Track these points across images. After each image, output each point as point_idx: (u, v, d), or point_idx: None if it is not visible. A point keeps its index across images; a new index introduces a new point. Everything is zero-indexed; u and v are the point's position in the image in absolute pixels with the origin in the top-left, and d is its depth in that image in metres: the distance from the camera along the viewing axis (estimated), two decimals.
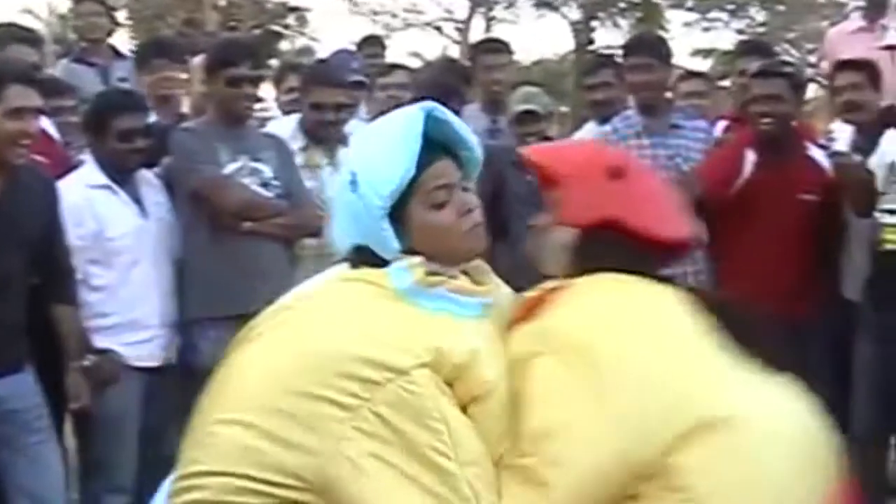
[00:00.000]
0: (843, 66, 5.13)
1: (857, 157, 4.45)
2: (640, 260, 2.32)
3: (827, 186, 4.67)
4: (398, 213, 2.22)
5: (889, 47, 4.40)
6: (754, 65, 5.14)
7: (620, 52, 5.71)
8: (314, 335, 2.18)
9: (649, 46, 5.22)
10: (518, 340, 2.23)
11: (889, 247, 4.32)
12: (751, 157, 4.68)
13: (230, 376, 2.23)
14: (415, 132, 2.22)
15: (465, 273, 2.31)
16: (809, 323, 4.63)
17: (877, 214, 4.37)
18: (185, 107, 5.30)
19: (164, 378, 4.28)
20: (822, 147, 4.68)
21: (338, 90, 4.78)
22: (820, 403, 4.62)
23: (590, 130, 5.58)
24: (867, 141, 4.46)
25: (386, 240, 2.22)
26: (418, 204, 2.24)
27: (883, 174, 4.38)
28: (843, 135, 4.44)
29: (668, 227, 2.37)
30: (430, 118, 2.28)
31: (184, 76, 5.41)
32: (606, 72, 5.56)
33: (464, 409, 2.14)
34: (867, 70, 4.89)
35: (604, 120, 5.28)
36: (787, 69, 4.77)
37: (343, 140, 4.84)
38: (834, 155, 4.48)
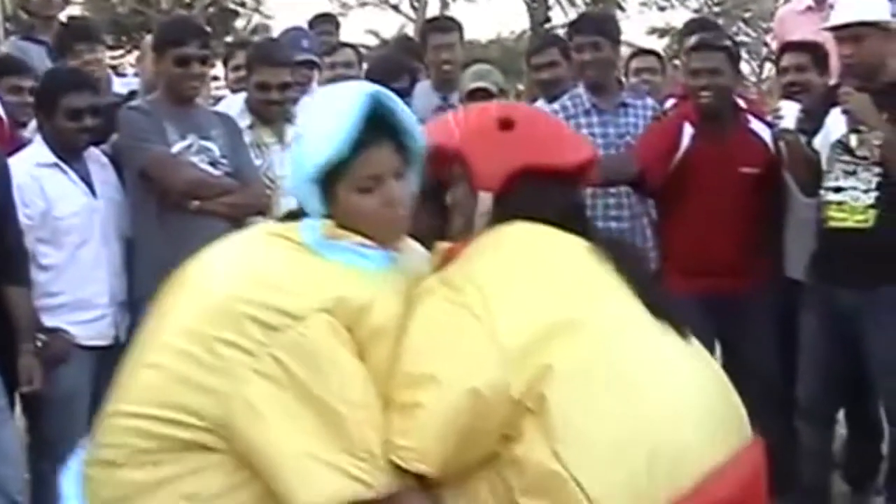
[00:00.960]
0: (788, 47, 5.20)
1: (802, 136, 4.49)
2: (554, 199, 2.43)
3: (768, 160, 4.72)
4: (328, 182, 2.32)
5: (831, 28, 4.43)
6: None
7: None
8: (222, 283, 2.31)
9: (596, 25, 5.21)
10: (422, 285, 2.35)
11: (833, 224, 4.35)
12: (689, 130, 4.71)
13: (152, 323, 2.38)
14: (353, 114, 2.30)
15: None
16: (752, 298, 4.70)
17: (821, 192, 4.40)
18: (118, 86, 5.23)
19: (113, 357, 4.24)
20: (768, 124, 4.72)
21: (282, 69, 4.77)
22: (764, 378, 4.71)
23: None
24: (813, 120, 4.50)
25: (311, 201, 2.36)
26: (346, 184, 2.34)
27: (827, 153, 4.42)
28: (789, 113, 4.47)
29: (570, 153, 2.51)
30: (373, 102, 2.33)
31: (106, 56, 5.40)
32: (552, 50, 5.53)
33: (364, 354, 2.25)
34: (812, 51, 4.94)
35: (553, 98, 5.27)
36: (725, 42, 4.80)
37: (290, 118, 4.84)
38: (780, 133, 4.52)
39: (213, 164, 4.36)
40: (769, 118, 4.65)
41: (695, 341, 2.42)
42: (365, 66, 6.49)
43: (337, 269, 2.30)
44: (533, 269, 2.32)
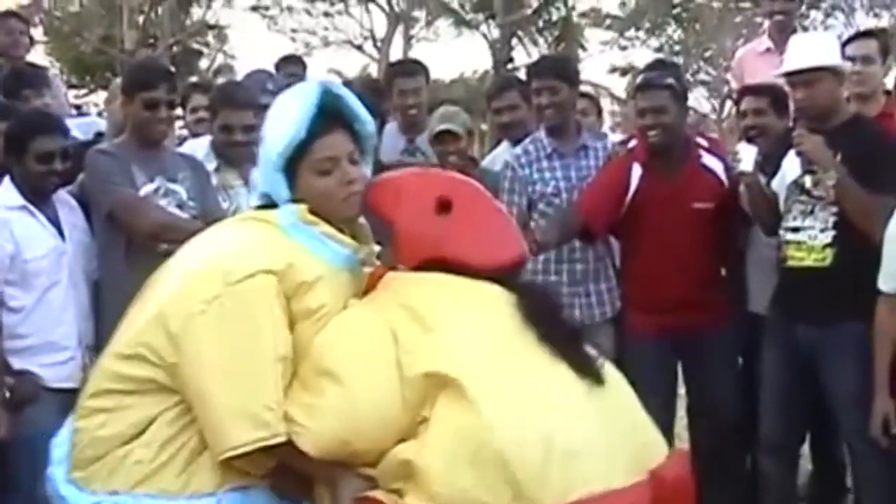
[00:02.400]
0: (747, 91, 5.30)
1: (761, 177, 4.57)
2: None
3: (722, 194, 4.77)
4: (291, 169, 2.70)
5: (785, 74, 4.52)
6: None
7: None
8: (199, 253, 2.77)
9: (554, 68, 5.22)
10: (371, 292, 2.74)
11: (791, 263, 4.42)
12: (638, 170, 4.76)
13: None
14: (308, 103, 2.67)
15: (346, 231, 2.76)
16: (710, 334, 4.76)
17: (780, 232, 4.48)
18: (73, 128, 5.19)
19: None
20: (721, 158, 4.78)
21: (246, 111, 4.75)
22: (724, 413, 4.77)
23: (503, 150, 5.61)
24: (771, 163, 4.58)
25: (279, 189, 2.72)
26: (307, 167, 2.71)
27: (784, 194, 4.50)
28: (747, 156, 4.55)
29: (489, 256, 2.69)
30: (325, 93, 2.71)
31: (51, 101, 5.40)
32: (512, 94, 5.54)
33: (292, 327, 2.59)
34: (770, 94, 5.03)
35: (516, 141, 5.32)
36: (669, 81, 4.82)
37: (255, 160, 4.85)
38: (738, 175, 4.60)
39: (180, 206, 4.36)
40: (728, 160, 4.73)
41: (610, 382, 2.60)
42: None
43: (296, 247, 2.65)
44: (446, 317, 2.57)
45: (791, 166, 4.48)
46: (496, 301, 2.62)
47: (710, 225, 4.76)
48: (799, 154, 4.41)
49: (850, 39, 5.42)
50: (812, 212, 4.39)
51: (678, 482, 2.58)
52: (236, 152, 4.76)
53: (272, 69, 7.22)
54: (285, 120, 2.69)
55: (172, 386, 2.62)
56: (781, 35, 6.12)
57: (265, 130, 2.77)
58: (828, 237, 4.34)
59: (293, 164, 2.70)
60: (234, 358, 2.54)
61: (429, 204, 2.71)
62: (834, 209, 4.33)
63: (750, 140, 4.78)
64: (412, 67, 6.15)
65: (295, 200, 2.72)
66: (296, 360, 2.60)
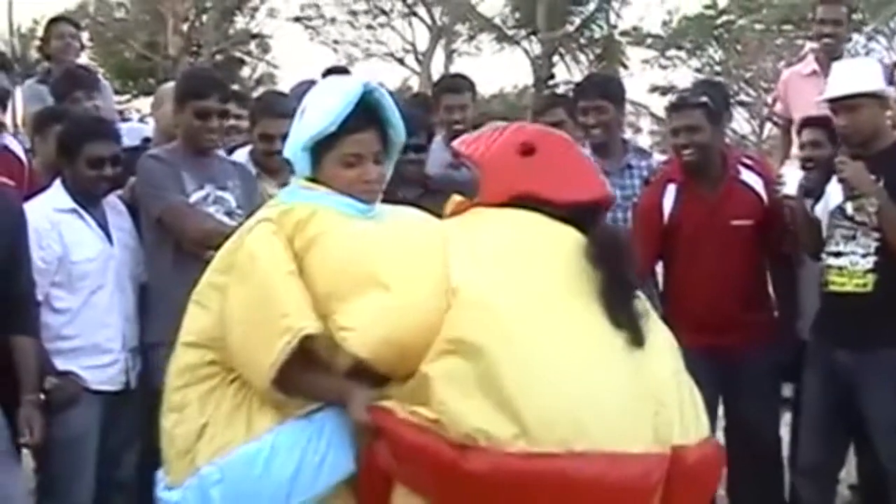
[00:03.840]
0: (806, 123, 5.25)
1: (808, 201, 4.56)
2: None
3: (761, 211, 4.75)
4: (318, 151, 2.89)
5: (828, 100, 4.52)
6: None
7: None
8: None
9: (600, 88, 5.24)
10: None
11: (833, 288, 4.43)
12: (671, 190, 4.77)
13: None
14: (347, 99, 2.84)
15: None
16: (750, 354, 4.71)
17: (823, 257, 4.49)
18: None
19: (123, 402, 4.32)
20: (759, 174, 4.77)
21: (285, 120, 4.71)
22: (761, 435, 4.73)
23: None
24: (815, 187, 4.58)
25: (301, 164, 2.92)
26: (333, 156, 2.89)
27: (827, 220, 4.50)
28: (791, 178, 4.56)
29: (574, 191, 2.81)
30: (367, 93, 2.87)
31: (101, 103, 5.48)
32: (558, 110, 5.50)
33: (302, 261, 2.76)
34: (828, 127, 4.96)
35: None
36: (701, 100, 4.82)
37: (294, 170, 4.88)
38: (783, 198, 4.60)
39: (228, 214, 4.40)
40: (771, 177, 4.72)
41: (652, 348, 2.65)
42: None
43: (291, 203, 2.85)
44: (504, 250, 2.71)
45: (834, 192, 4.48)
46: (564, 241, 2.72)
47: (749, 242, 4.73)
48: (841, 180, 4.40)
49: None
50: (854, 237, 4.40)
51: (700, 467, 2.60)
52: (275, 161, 4.75)
53: (318, 81, 7.29)
54: (324, 108, 2.87)
55: (226, 362, 2.82)
56: (828, 58, 6.11)
57: (303, 108, 2.96)
58: (869, 263, 4.34)
59: (321, 148, 2.89)
60: (248, 296, 2.76)
61: (514, 148, 2.86)
62: (876, 235, 4.33)
63: (807, 171, 4.76)
64: (459, 83, 6.15)
65: (313, 179, 2.91)
66: (317, 289, 2.73)
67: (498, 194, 2.84)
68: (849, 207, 4.42)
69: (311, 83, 5.91)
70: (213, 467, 2.76)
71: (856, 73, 4.48)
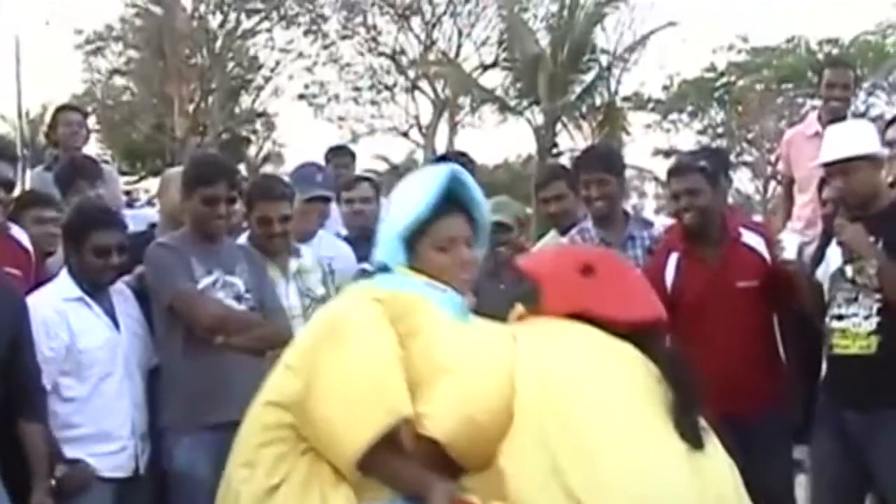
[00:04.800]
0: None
1: (804, 264, 4.57)
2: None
3: (765, 272, 4.73)
4: (413, 241, 2.95)
5: (824, 164, 4.56)
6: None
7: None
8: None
9: (601, 161, 5.24)
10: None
11: (837, 351, 4.43)
12: (673, 258, 4.78)
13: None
14: (437, 185, 2.95)
15: None
16: (761, 420, 4.66)
17: (826, 320, 4.48)
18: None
19: (133, 489, 4.32)
20: (761, 234, 4.79)
21: (283, 202, 4.81)
22: (772, 498, 4.72)
23: (552, 239, 5.62)
24: (815, 251, 4.62)
25: (397, 256, 2.95)
26: (428, 243, 2.96)
27: (828, 283, 4.51)
28: (790, 243, 4.58)
29: (632, 311, 2.89)
30: (453, 178, 2.96)
31: (104, 192, 5.51)
32: (559, 184, 5.56)
33: (403, 345, 2.77)
34: None
35: (564, 230, 5.35)
36: (700, 163, 4.85)
37: (293, 251, 4.91)
38: (782, 263, 4.62)
39: (237, 298, 4.44)
40: (771, 238, 4.73)
41: (715, 461, 2.74)
42: (383, 199, 6.61)
43: (395, 290, 2.88)
44: (575, 355, 2.79)
45: (834, 255, 4.50)
46: (628, 354, 2.81)
47: (755, 304, 4.71)
48: (840, 243, 4.42)
49: (889, 123, 5.45)
50: (856, 299, 4.40)
51: None
52: (274, 243, 4.80)
53: (321, 158, 7.37)
54: (414, 196, 2.97)
55: (303, 431, 2.80)
56: (832, 120, 6.14)
57: (390, 204, 3.08)
58: (872, 324, 4.34)
59: (414, 237, 2.95)
60: (350, 368, 2.75)
61: (574, 267, 2.95)
62: (877, 296, 4.34)
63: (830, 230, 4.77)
64: (459, 160, 6.19)
65: (411, 268, 2.96)
66: (409, 375, 2.75)
67: (558, 309, 2.91)
68: (849, 270, 4.43)
69: (315, 165, 5.99)
70: None
71: (850, 137, 4.51)
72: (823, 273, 4.56)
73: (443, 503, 2.65)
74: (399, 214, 2.98)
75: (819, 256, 4.60)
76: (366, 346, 2.76)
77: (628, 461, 2.59)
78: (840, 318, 4.43)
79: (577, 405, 2.65)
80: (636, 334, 2.84)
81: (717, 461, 2.75)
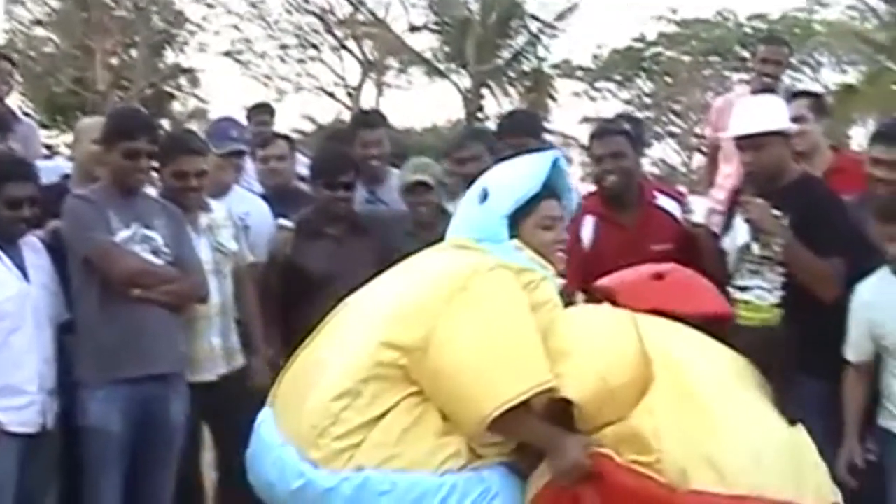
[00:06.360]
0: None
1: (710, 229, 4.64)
2: None
3: (679, 234, 4.81)
4: (514, 220, 3.25)
5: (735, 137, 4.62)
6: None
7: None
8: (430, 265, 3.34)
9: (525, 124, 5.29)
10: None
11: (740, 322, 4.50)
12: (589, 221, 4.85)
13: None
14: (543, 169, 3.31)
15: None
16: None
17: (730, 291, 4.50)
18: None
19: (39, 444, 4.27)
20: (675, 198, 4.87)
21: (199, 157, 4.80)
22: None
23: None
24: (724, 220, 4.69)
25: (500, 231, 3.22)
26: (532, 221, 3.29)
27: (735, 256, 4.57)
28: (699, 207, 4.65)
29: (697, 307, 3.24)
30: (554, 165, 3.34)
31: (15, 145, 5.40)
32: (477, 145, 5.52)
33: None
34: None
35: None
36: (625, 127, 4.91)
37: (204, 206, 4.89)
38: (691, 226, 4.68)
39: (155, 252, 4.41)
40: (685, 203, 4.80)
41: (803, 433, 3.11)
42: (300, 156, 6.58)
43: (521, 264, 3.16)
44: (681, 335, 3.17)
45: (742, 228, 4.56)
46: (713, 341, 3.20)
47: None
48: (747, 220, 4.49)
49: (792, 97, 5.52)
50: (759, 272, 4.48)
51: None
52: (189, 197, 4.78)
53: (244, 115, 7.35)
54: (522, 178, 3.29)
55: (413, 375, 2.99)
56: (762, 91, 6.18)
57: (487, 185, 3.34)
58: (776, 298, 4.42)
59: (519, 215, 3.26)
60: (496, 327, 2.97)
61: (647, 276, 3.36)
62: (782, 269, 4.42)
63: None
64: (375, 119, 6.20)
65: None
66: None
67: (633, 308, 3.22)
68: (755, 247, 4.50)
69: (230, 119, 5.94)
70: (384, 476, 2.94)
71: (761, 111, 4.58)
72: (730, 243, 4.63)
73: (579, 452, 2.88)
74: (507, 194, 3.26)
75: (726, 225, 4.68)
76: (512, 311, 3.01)
77: (749, 426, 2.95)
78: (744, 289, 4.49)
79: (697, 379, 3.00)
80: (707, 327, 3.19)
81: (805, 435, 3.08)
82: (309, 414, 3.05)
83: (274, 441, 3.14)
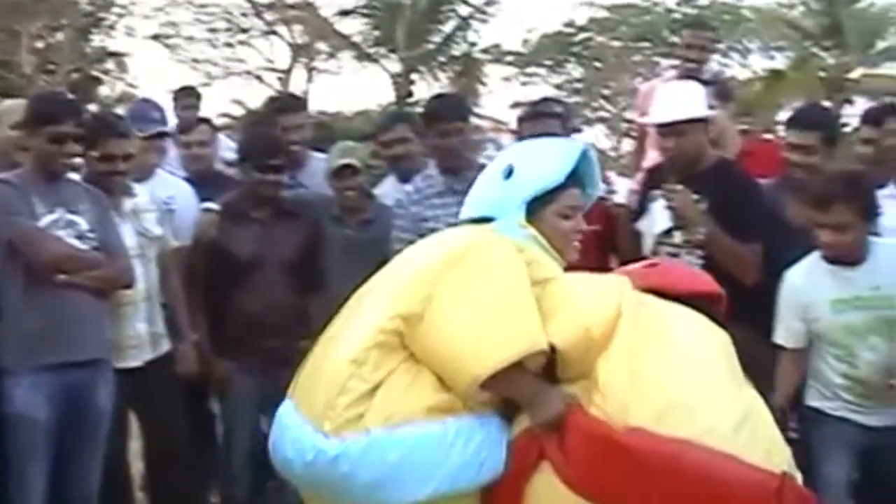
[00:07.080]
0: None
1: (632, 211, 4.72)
2: None
3: (606, 215, 4.89)
4: (532, 206, 3.25)
5: (655, 125, 4.71)
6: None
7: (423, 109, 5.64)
8: (438, 241, 3.37)
9: (456, 108, 5.23)
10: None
11: None
12: None
13: None
14: (571, 159, 3.30)
15: None
16: None
17: None
18: None
19: None
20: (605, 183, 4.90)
21: (126, 140, 4.79)
22: None
23: (391, 186, 5.61)
24: (638, 201, 4.78)
25: (515, 215, 3.23)
26: (552, 209, 3.29)
27: (651, 241, 4.66)
28: (621, 188, 4.72)
29: (688, 285, 3.34)
30: (583, 155, 3.35)
31: None
32: (402, 127, 5.57)
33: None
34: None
35: (404, 176, 5.38)
36: (558, 109, 4.95)
37: (128, 191, 4.89)
38: (613, 206, 4.75)
39: (79, 237, 4.39)
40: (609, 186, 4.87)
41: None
42: (227, 141, 6.57)
43: (520, 240, 3.17)
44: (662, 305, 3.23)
45: (661, 214, 4.63)
46: (703, 318, 3.22)
47: (597, 247, 4.77)
48: (670, 209, 4.57)
49: (706, 85, 5.60)
50: (678, 255, 4.55)
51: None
52: (115, 181, 4.77)
53: (171, 99, 7.31)
54: (551, 167, 3.28)
55: (406, 340, 3.05)
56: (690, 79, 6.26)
57: (523, 165, 3.32)
58: None
59: (538, 202, 3.26)
60: (492, 289, 3.02)
61: (639, 266, 3.47)
62: (700, 253, 4.51)
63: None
64: (295, 103, 6.19)
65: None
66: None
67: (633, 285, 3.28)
68: (677, 236, 4.59)
69: (149, 101, 5.91)
70: (389, 434, 2.98)
71: (682, 99, 4.67)
72: (647, 227, 4.71)
73: (561, 404, 2.98)
74: (533, 179, 3.26)
75: (641, 206, 4.76)
76: (509, 275, 3.05)
77: (707, 383, 3.04)
78: None
79: (664, 339, 3.08)
80: (697, 303, 3.24)
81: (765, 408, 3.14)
82: (323, 388, 3.11)
83: (294, 422, 3.16)
